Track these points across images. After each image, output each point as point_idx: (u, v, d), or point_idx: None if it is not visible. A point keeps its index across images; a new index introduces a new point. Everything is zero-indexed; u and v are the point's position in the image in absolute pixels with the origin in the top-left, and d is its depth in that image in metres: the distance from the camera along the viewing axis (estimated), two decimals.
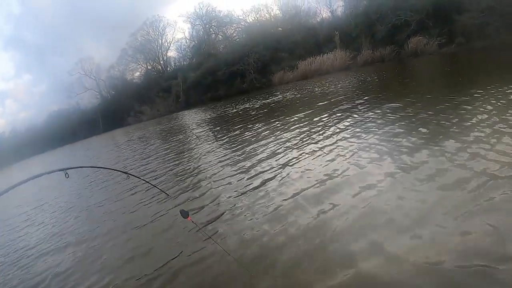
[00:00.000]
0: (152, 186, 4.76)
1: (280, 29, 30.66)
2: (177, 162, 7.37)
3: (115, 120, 46.02)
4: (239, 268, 2.51)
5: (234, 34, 36.11)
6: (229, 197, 4.06)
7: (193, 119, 18.67)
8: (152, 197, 4.94)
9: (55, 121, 59.84)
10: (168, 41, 46.58)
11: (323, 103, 9.71)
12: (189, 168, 6.30)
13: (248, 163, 5.32)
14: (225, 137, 8.56)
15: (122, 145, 16.62)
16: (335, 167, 3.97)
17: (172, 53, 47.18)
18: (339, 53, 23.15)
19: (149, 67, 47.60)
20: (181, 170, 6.39)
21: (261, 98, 17.25)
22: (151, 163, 8.23)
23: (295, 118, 8.31)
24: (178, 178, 5.84)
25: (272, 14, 33.68)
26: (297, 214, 3.10)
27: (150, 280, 2.76)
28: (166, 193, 4.70)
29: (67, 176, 2.94)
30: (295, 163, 4.62)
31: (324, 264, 2.31)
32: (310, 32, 27.86)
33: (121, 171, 4.40)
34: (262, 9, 34.28)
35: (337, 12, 28.54)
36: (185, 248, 3.07)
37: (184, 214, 2.61)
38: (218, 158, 6.36)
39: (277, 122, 8.41)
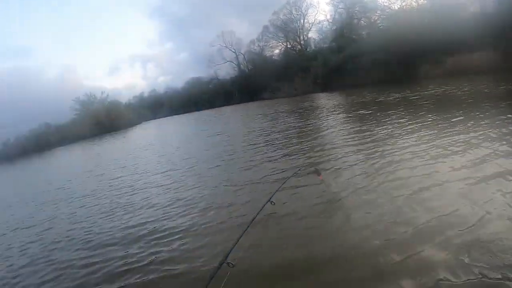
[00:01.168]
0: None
1: (426, 20, 32.96)
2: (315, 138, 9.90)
3: (250, 93, 54.58)
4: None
5: (378, 21, 39.28)
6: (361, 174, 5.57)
7: (331, 103, 21.85)
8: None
9: (192, 88, 73.03)
10: (309, 22, 52.82)
11: (478, 105, 9.68)
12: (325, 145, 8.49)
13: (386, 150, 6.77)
14: (370, 123, 10.48)
15: (270, 115, 20.95)
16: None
17: (312, 34, 53.24)
18: (488, 53, 24.87)
19: (289, 46, 54.82)
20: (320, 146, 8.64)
21: (406, 91, 19.04)
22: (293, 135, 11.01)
23: (445, 118, 8.82)
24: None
25: (419, 3, 35.92)
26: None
27: None
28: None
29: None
30: (441, 157, 5.61)
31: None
32: (460, 27, 29.60)
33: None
34: None
35: (488, 8, 29.06)
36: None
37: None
38: (345, 139, 8.67)
39: (430, 120, 9.02)
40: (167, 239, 4.72)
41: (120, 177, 10.66)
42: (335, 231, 3.81)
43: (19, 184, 17.02)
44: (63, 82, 73.40)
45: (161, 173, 9.86)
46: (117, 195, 8.18)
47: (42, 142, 46.36)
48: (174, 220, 5.43)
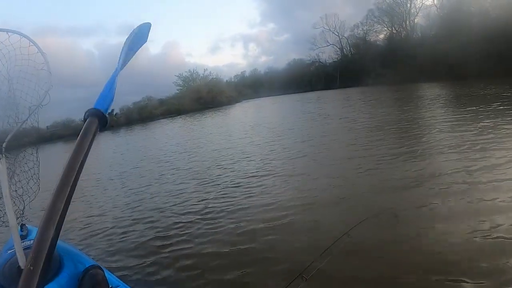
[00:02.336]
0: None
1: None
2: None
3: (352, 78, 55.58)
4: None
5: (490, 9, 38.29)
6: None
7: (435, 94, 21.89)
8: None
9: (293, 69, 76.20)
10: (416, 7, 52.73)
11: None
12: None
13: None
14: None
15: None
16: None
17: (418, 20, 53.06)
18: None
19: (394, 31, 55.47)
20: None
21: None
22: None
23: None
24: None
25: None
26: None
27: None
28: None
29: None
30: None
31: None
32: None
33: None
34: None
35: None
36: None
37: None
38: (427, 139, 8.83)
39: None
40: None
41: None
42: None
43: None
44: (167, 58, 79.45)
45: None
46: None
47: (145, 114, 50.80)
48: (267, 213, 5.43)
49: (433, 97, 20.11)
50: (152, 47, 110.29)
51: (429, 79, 38.79)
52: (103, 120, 0.91)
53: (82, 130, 0.85)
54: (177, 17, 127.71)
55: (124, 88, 56.68)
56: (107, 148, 22.31)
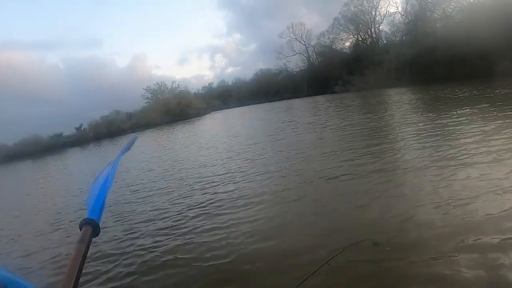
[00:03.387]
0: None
1: (503, 14, 32.55)
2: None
3: (320, 86, 55.83)
4: None
5: (453, 14, 38.97)
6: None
7: (403, 99, 21.94)
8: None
9: (261, 79, 76.39)
10: (381, 14, 53.69)
11: None
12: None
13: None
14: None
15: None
16: None
17: (383, 27, 54.24)
18: None
19: (359, 39, 56.07)
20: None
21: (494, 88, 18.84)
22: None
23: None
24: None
25: None
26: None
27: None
28: None
29: None
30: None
31: None
32: None
33: None
34: None
35: None
36: None
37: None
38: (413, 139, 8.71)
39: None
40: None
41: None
42: None
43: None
44: (134, 71, 79.31)
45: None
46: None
47: (113, 128, 49.54)
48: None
49: (403, 103, 20.09)
50: (119, 60, 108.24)
51: (396, 84, 39.09)
52: (96, 228, 0.99)
53: (79, 238, 0.92)
54: (144, 29, 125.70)
55: (92, 102, 54.63)
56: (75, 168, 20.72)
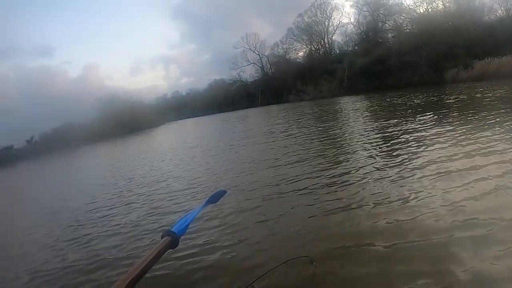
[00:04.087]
0: None
1: (450, 23, 34.06)
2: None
3: (274, 96, 55.61)
4: None
5: (404, 24, 40.53)
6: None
7: (357, 106, 22.11)
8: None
9: (215, 89, 75.05)
10: (334, 25, 54.29)
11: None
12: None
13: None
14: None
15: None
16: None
17: (336, 37, 54.83)
18: None
19: (313, 49, 56.35)
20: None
21: (438, 94, 19.64)
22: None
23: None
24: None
25: (446, 6, 37.02)
26: None
27: None
28: None
29: None
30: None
31: None
32: (487, 30, 30.70)
33: None
34: (436, 0, 37.89)
35: None
36: None
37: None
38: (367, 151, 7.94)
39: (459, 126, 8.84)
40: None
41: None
42: None
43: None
44: (85, 82, 75.44)
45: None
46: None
47: (65, 140, 46.52)
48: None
49: (361, 110, 19.63)
50: (71, 70, 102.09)
51: (349, 92, 39.36)
52: (175, 241, 1.07)
53: (158, 244, 1.01)
54: (96, 39, 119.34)
55: (43, 113, 51.73)
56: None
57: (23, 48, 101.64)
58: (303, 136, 12.26)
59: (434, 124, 9.82)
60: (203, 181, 8.05)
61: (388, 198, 4.63)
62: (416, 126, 9.89)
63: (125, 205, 7.28)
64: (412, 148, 7.31)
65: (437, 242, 3.26)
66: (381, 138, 9.12)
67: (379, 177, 5.65)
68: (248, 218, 5.02)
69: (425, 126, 9.61)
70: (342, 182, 5.78)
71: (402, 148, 7.47)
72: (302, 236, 4.05)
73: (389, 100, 21.96)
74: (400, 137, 8.80)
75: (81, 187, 11.30)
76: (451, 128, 8.71)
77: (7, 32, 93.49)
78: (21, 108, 53.67)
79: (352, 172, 6.31)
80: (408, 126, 10.22)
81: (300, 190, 5.79)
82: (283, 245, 3.95)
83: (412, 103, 17.72)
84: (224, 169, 9.11)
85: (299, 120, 19.25)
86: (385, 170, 6.03)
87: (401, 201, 4.43)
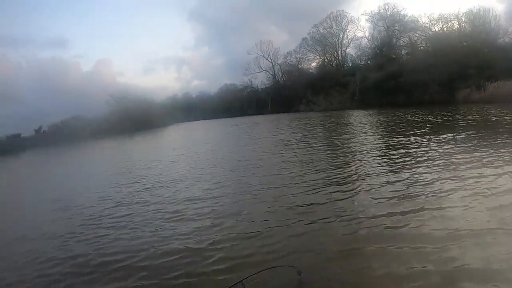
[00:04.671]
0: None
1: (464, 43, 34.37)
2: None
3: (284, 104, 56.11)
4: None
5: (418, 42, 40.87)
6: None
7: (368, 120, 22.66)
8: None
9: (225, 94, 75.34)
10: (348, 38, 54.80)
11: None
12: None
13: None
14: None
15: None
16: None
17: (350, 50, 55.34)
18: None
19: (326, 60, 56.80)
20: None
21: (452, 114, 19.92)
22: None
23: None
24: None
25: (461, 26, 37.38)
26: None
27: None
28: None
29: None
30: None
31: None
32: (501, 53, 30.92)
33: None
34: (452, 20, 38.35)
35: None
36: None
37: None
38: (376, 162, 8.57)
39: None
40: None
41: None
42: None
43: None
44: (98, 77, 75.19)
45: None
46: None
47: (74, 133, 46.33)
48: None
49: (375, 124, 19.75)
50: (84, 63, 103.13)
51: (360, 106, 39.74)
52: None
53: None
54: (111, 35, 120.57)
55: (53, 105, 51.66)
56: None
57: (36, 38, 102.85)
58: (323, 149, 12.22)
59: (465, 145, 9.59)
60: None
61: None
62: (439, 147, 9.71)
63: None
64: (438, 167, 7.31)
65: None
66: (408, 156, 8.96)
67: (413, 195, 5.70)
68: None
69: (451, 147, 9.48)
70: (373, 199, 5.80)
71: (429, 167, 7.44)
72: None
73: (404, 116, 22.15)
74: (426, 155, 8.77)
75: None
76: (485, 150, 8.57)
77: (21, 20, 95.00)
78: (32, 98, 53.40)
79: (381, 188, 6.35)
80: (432, 146, 10.06)
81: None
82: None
83: (428, 120, 17.84)
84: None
85: (315, 130, 19.53)
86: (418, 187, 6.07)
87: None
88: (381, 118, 23.10)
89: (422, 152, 9.17)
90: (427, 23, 39.69)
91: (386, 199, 5.64)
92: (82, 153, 25.70)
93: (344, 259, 3.80)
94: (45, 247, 5.37)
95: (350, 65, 53.92)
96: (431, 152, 9.06)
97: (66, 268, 4.45)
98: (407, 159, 8.58)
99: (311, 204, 5.88)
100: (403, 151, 9.73)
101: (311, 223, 5.01)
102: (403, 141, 11.53)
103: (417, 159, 8.37)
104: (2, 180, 16.72)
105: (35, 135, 48.28)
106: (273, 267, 3.51)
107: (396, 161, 8.51)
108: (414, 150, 9.72)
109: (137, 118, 52.56)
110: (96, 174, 13.22)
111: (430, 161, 7.94)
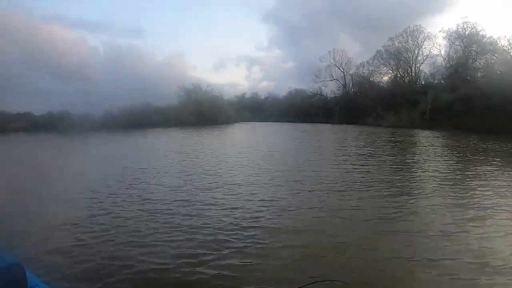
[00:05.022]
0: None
1: None
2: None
3: (352, 116, 56.58)
4: None
5: (495, 65, 39.51)
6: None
7: (440, 143, 22.85)
8: None
9: (294, 98, 76.82)
10: (423, 54, 54.05)
11: None
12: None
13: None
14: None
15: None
16: None
17: (424, 67, 54.54)
18: None
19: (398, 75, 56.57)
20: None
21: None
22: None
23: None
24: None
25: None
26: None
27: None
28: None
29: None
30: None
31: None
32: None
33: None
34: None
35: None
36: None
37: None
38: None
39: None
40: None
41: None
42: None
43: None
44: (169, 68, 77.54)
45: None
46: None
47: (142, 119, 47.66)
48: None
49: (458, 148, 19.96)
50: (157, 54, 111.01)
51: (429, 126, 39.78)
52: None
53: None
54: (186, 29, 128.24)
55: (124, 91, 53.15)
56: None
57: (116, 25, 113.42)
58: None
59: None
60: None
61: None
62: None
63: None
64: None
65: None
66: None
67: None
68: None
69: None
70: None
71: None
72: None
73: (482, 143, 21.82)
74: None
75: None
76: None
77: (103, 7, 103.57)
78: (105, 81, 55.60)
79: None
80: None
81: None
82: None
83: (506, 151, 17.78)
84: None
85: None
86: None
87: None
88: (456, 143, 22.81)
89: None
90: (506, 47, 38.30)
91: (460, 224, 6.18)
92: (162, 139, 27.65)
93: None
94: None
95: (423, 83, 53.35)
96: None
97: None
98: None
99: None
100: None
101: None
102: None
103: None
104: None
105: (104, 116, 47.79)
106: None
107: None
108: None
109: (205, 112, 54.37)
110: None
111: None
